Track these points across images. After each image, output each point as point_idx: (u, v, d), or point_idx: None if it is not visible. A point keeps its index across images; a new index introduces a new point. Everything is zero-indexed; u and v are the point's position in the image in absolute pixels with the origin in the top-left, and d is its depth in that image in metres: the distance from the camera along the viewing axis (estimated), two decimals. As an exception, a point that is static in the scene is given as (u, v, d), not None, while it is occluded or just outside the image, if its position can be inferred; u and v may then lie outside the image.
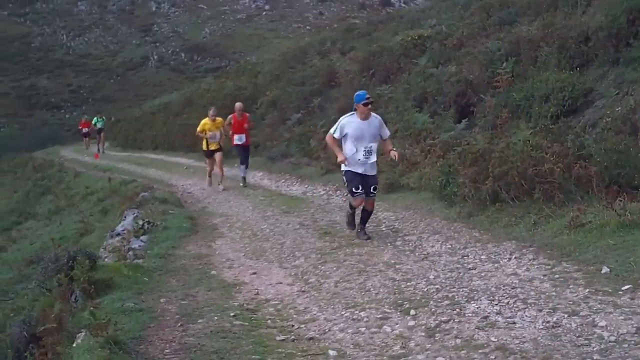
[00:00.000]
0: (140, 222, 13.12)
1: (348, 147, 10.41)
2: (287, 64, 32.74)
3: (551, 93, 12.37)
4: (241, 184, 19.00)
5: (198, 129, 18.88)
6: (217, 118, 18.74)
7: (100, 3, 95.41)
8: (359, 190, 10.29)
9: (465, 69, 16.27)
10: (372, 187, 10.42)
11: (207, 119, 18.74)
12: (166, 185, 20.52)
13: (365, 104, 10.31)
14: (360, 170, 10.36)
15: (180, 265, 10.12)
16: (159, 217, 13.83)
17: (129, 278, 8.97)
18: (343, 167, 10.56)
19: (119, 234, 13.08)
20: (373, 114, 10.62)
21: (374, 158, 10.43)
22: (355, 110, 10.44)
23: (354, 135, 10.31)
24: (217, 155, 18.68)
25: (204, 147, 18.91)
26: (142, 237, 12.16)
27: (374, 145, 10.41)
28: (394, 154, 10.65)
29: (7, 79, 74.79)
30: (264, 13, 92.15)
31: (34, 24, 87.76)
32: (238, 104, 19.06)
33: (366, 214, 10.67)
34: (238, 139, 18.66)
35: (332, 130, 10.58)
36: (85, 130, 42.23)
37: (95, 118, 39.18)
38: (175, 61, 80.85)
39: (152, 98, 59.17)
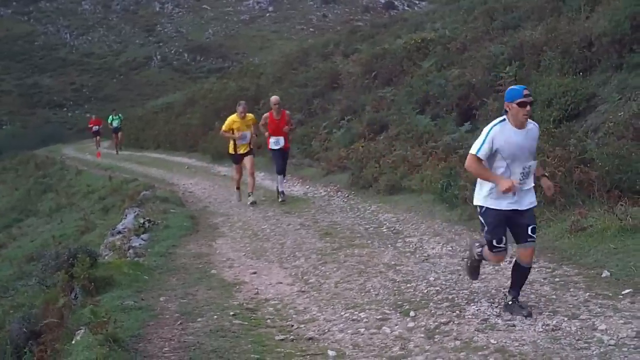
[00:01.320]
0: (141, 221, 13.14)
1: (498, 170, 6.64)
2: (290, 65, 32.79)
3: (554, 97, 12.37)
4: (279, 199, 15.42)
5: (223, 127, 15.45)
6: (248, 115, 15.50)
7: (104, 2, 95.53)
8: (501, 245, 6.74)
9: (468, 73, 16.27)
10: (529, 229, 6.59)
11: (235, 115, 15.32)
12: (167, 185, 20.54)
13: (523, 104, 6.48)
14: (510, 206, 6.61)
15: (180, 264, 10.14)
16: (159, 216, 13.85)
17: (129, 276, 8.98)
18: (481, 201, 6.79)
19: (119, 232, 13.09)
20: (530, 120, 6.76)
21: (531, 183, 6.71)
22: (505, 113, 6.66)
23: (508, 152, 6.52)
24: (248, 161, 15.46)
25: (231, 150, 15.55)
26: (142, 236, 12.19)
27: (533, 165, 6.71)
28: (548, 184, 6.94)
29: (10, 77, 74.98)
30: (268, 14, 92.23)
31: (37, 23, 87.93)
32: (274, 98, 15.67)
33: (521, 274, 6.77)
34: (275, 143, 15.37)
35: (475, 149, 6.61)
36: (95, 128, 38.37)
37: (110, 116, 35.84)
38: (178, 61, 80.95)
39: (154, 98, 59.27)
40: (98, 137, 38.73)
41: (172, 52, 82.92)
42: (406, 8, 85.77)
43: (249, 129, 15.50)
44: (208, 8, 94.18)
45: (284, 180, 15.98)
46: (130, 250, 11.09)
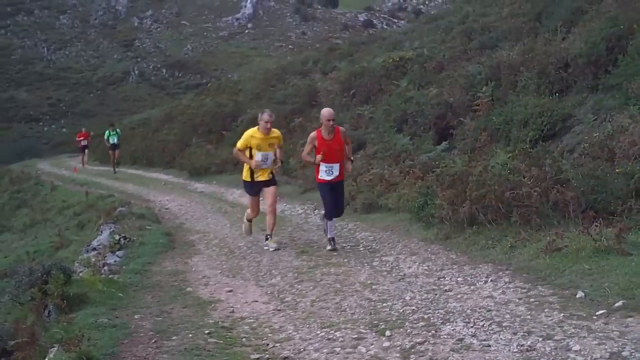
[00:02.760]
0: (117, 237, 13.05)
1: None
2: (269, 82, 32.92)
3: (530, 118, 12.47)
4: (328, 247, 11.34)
5: (238, 145, 11.70)
6: (274, 131, 11.75)
7: (83, 17, 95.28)
8: None
9: (446, 92, 16.37)
10: None
11: (254, 129, 11.60)
12: (144, 201, 20.43)
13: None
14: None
15: (155, 282, 10.07)
16: (135, 233, 13.77)
17: (104, 293, 8.91)
18: None
19: (94, 249, 12.99)
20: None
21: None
22: None
23: None
24: (269, 193, 11.86)
25: (246, 175, 11.90)
26: (118, 252, 12.11)
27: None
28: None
29: (-15, 90, 74.39)
30: (247, 31, 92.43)
31: (14, 36, 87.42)
32: (327, 111, 11.20)
33: None
34: (326, 172, 11.12)
35: None
36: (84, 142, 37.61)
37: (107, 131, 32.33)
38: (156, 77, 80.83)
39: (131, 113, 59.12)
40: (85, 153, 38.18)
41: (150, 67, 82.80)
42: (385, 27, 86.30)
43: (273, 150, 11.72)
44: (187, 24, 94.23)
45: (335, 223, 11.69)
46: (105, 267, 11.01)
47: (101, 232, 14.70)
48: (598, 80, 12.53)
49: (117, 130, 32.98)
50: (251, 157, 11.59)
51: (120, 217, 15.97)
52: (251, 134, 11.59)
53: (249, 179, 11.88)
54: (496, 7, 23.48)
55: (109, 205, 19.02)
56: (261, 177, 11.79)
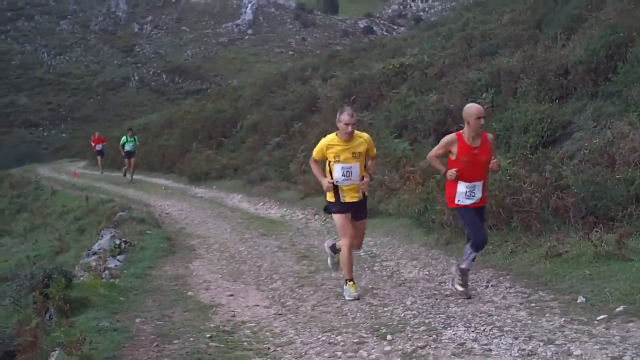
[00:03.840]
0: (117, 242, 13.06)
1: None
2: (269, 88, 32.92)
3: (530, 124, 12.51)
4: (457, 287, 8.25)
5: (314, 155, 8.92)
6: (361, 135, 8.74)
7: (83, 22, 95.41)
8: None
9: (446, 98, 16.40)
10: None
11: (333, 136, 8.71)
12: (144, 206, 20.42)
13: None
14: None
15: (156, 286, 10.07)
16: (136, 237, 13.78)
17: (105, 297, 8.91)
18: None
19: (95, 253, 12.98)
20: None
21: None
22: None
23: None
24: (356, 227, 8.88)
25: (330, 196, 8.85)
26: (118, 257, 12.12)
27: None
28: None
29: (-14, 95, 74.45)
30: (247, 37, 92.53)
31: (15, 42, 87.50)
32: (474, 108, 8.12)
33: None
34: (467, 193, 8.11)
35: None
36: (99, 147, 35.03)
37: (124, 137, 29.05)
38: (156, 82, 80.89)
39: (131, 118, 59.13)
40: (101, 158, 35.52)
41: (150, 73, 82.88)
42: (385, 33, 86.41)
43: (360, 161, 8.65)
44: (187, 30, 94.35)
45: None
46: (106, 272, 11.01)
47: (102, 236, 14.70)
48: (598, 87, 12.57)
49: (135, 137, 29.65)
50: (331, 171, 8.69)
51: (120, 222, 15.97)
52: (328, 142, 8.67)
53: (332, 199, 8.78)
54: (496, 15, 23.56)
55: (110, 210, 19.03)
56: (349, 197, 8.69)
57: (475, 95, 15.26)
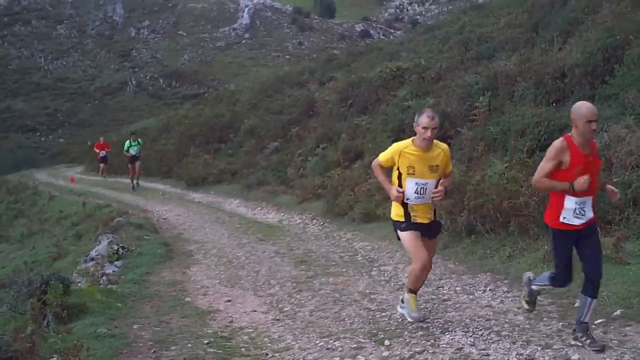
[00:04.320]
0: (115, 247, 13.04)
1: None
2: (266, 92, 32.92)
3: (527, 127, 12.50)
4: (584, 341, 6.18)
5: (380, 160, 7.57)
6: (438, 145, 7.47)
7: (80, 27, 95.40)
8: None
9: (443, 102, 16.40)
10: None
11: (407, 142, 7.48)
12: (141, 211, 20.40)
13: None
14: None
15: (154, 292, 10.06)
16: (133, 243, 13.76)
17: (103, 303, 8.91)
18: None
19: (93, 259, 12.97)
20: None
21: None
22: None
23: None
24: (429, 248, 7.51)
25: (397, 214, 7.51)
26: (116, 263, 12.10)
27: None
28: None
29: (-18, 101, 74.41)
30: (244, 41, 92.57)
31: (11, 46, 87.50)
32: (587, 108, 6.30)
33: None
34: (578, 211, 6.32)
35: None
36: (103, 153, 34.02)
37: (127, 142, 28.03)
38: (154, 87, 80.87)
39: (129, 123, 59.09)
40: (104, 165, 34.47)
41: (148, 77, 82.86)
42: (382, 37, 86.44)
43: (437, 176, 7.32)
44: (184, 34, 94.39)
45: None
46: (104, 277, 11.00)
47: (99, 242, 14.69)
48: (595, 90, 12.59)
49: (139, 140, 28.51)
50: (400, 184, 7.28)
51: (118, 227, 15.95)
52: (402, 148, 7.29)
53: (402, 219, 7.34)
54: (493, 18, 23.58)
55: (107, 216, 19.00)
56: (420, 217, 7.32)
57: (472, 99, 15.27)
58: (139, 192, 26.07)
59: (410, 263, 7.51)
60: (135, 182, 27.53)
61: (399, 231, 7.42)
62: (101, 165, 34.68)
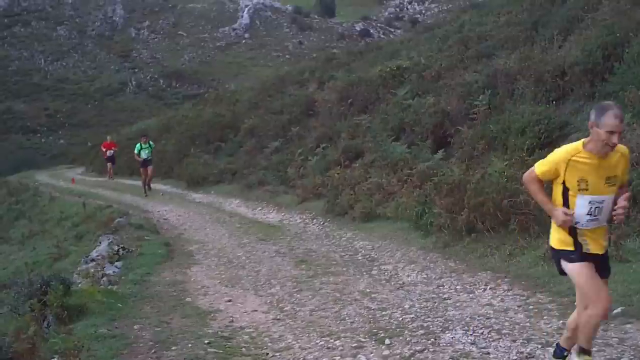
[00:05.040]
0: (115, 248, 13.05)
1: None
2: (266, 92, 32.91)
3: (527, 126, 12.50)
4: None
5: (537, 170, 5.54)
6: (620, 147, 5.39)
7: (79, 28, 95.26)
8: None
9: (443, 101, 16.40)
10: None
11: (575, 146, 5.37)
12: (142, 211, 20.40)
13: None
14: None
15: (154, 292, 10.06)
16: (134, 243, 13.77)
17: (103, 304, 8.91)
18: None
19: (93, 260, 12.95)
20: None
21: None
22: None
23: None
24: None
25: (562, 242, 5.45)
26: (116, 263, 12.10)
27: None
28: None
29: (-17, 102, 74.40)
30: (244, 41, 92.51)
31: (12, 48, 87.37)
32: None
33: None
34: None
35: None
36: (110, 153, 33.18)
37: (138, 144, 26.33)
38: (154, 87, 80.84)
39: (129, 124, 58.98)
40: (111, 165, 33.57)
41: (148, 78, 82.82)
42: (382, 36, 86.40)
43: (615, 190, 5.41)
44: (184, 34, 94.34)
45: None
46: (104, 278, 11.00)
47: (100, 243, 14.67)
48: (595, 88, 12.59)
49: (150, 142, 26.73)
50: (566, 203, 5.35)
51: (118, 228, 15.95)
52: (570, 156, 5.35)
53: (570, 248, 5.41)
54: (492, 16, 23.54)
55: (107, 216, 18.99)
56: (595, 246, 5.40)
57: (472, 97, 15.27)
58: (140, 193, 26.02)
59: (580, 306, 5.39)
60: (147, 186, 25.96)
61: (565, 262, 5.43)
62: (108, 164, 33.78)
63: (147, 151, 25.71)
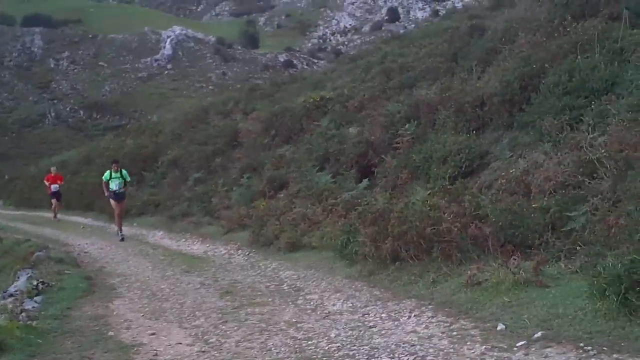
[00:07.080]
0: (35, 283, 12.69)
1: None
2: (190, 123, 32.75)
3: (449, 155, 12.74)
4: None
5: None
6: None
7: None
8: None
9: (367, 131, 16.58)
10: None
11: None
12: (62, 245, 19.94)
13: None
14: None
15: (76, 327, 9.81)
16: (54, 278, 13.42)
17: (22, 340, 8.64)
18: None
19: (11, 295, 12.56)
20: None
21: None
22: None
23: None
24: None
25: None
26: (36, 298, 11.75)
27: None
28: None
29: None
30: (166, 72, 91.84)
31: None
32: None
33: None
34: None
35: None
36: (55, 187, 28.56)
37: (108, 172, 20.61)
38: (74, 119, 79.40)
39: (48, 156, 57.72)
40: (56, 202, 28.69)
41: (67, 109, 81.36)
42: (305, 67, 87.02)
43: None
44: (105, 65, 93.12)
45: None
46: (23, 314, 10.66)
47: (18, 277, 14.25)
48: (513, 117, 12.90)
49: (123, 171, 20.85)
50: None
51: (37, 262, 15.52)
52: None
53: None
54: (414, 48, 24.02)
55: (26, 250, 18.48)
56: None
57: (395, 127, 15.48)
58: (59, 226, 25.46)
59: None
60: (119, 230, 20.62)
61: None
62: (53, 201, 28.79)
63: (118, 181, 20.36)
